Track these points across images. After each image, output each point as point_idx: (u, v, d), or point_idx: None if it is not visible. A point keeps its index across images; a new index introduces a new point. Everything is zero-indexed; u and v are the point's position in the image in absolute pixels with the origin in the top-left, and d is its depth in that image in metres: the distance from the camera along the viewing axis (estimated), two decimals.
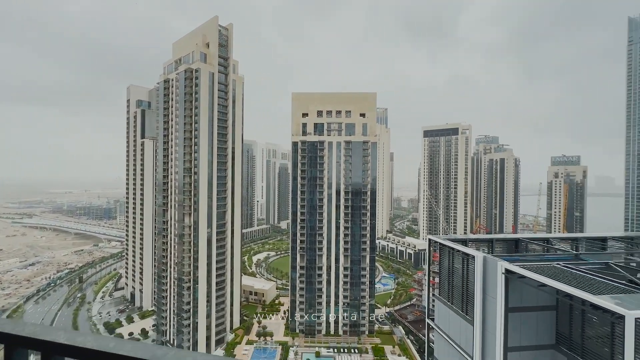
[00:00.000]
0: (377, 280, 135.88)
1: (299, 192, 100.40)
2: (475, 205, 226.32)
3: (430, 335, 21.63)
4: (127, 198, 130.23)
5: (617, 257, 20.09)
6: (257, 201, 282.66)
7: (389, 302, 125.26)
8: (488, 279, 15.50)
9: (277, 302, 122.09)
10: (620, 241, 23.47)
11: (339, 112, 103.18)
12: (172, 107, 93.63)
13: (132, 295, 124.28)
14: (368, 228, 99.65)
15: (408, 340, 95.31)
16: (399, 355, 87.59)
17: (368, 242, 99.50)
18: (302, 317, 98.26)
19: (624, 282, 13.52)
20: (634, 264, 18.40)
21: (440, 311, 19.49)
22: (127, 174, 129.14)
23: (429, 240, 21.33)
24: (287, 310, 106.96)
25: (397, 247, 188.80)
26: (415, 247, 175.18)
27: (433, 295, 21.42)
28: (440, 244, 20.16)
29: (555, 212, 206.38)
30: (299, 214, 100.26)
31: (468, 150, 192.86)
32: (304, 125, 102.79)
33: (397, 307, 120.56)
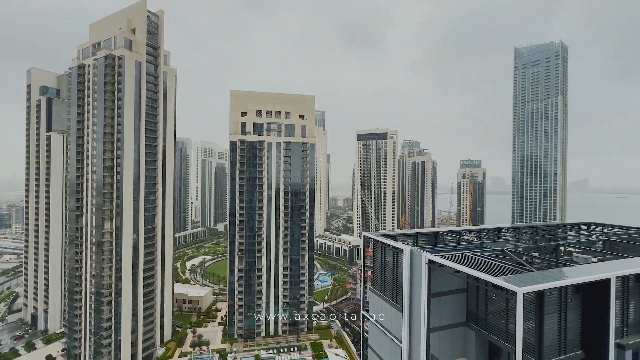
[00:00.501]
0: (315, 277, 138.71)
1: (237, 193, 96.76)
2: (401, 203, 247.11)
3: (365, 325, 22.95)
4: (27, 202, 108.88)
5: (508, 244, 24.00)
6: (192, 203, 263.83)
7: (326, 297, 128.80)
8: (414, 269, 17.14)
9: (214, 308, 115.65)
10: (510, 230, 28.11)
11: (278, 113, 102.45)
12: (88, 97, 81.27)
13: (34, 318, 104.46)
14: (307, 227, 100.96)
15: (344, 333, 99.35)
16: (336, 347, 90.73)
17: (307, 241, 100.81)
18: (240, 321, 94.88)
19: (514, 264, 16.28)
20: (521, 249, 22.25)
21: (373, 302, 20.83)
22: (28, 173, 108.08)
23: (364, 237, 22.61)
24: (225, 315, 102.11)
25: (333, 244, 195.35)
26: (350, 243, 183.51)
27: (367, 288, 22.78)
28: (373, 239, 21.53)
29: (463, 207, 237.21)
30: (237, 215, 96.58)
31: (395, 153, 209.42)
32: (243, 124, 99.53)
33: (334, 302, 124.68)
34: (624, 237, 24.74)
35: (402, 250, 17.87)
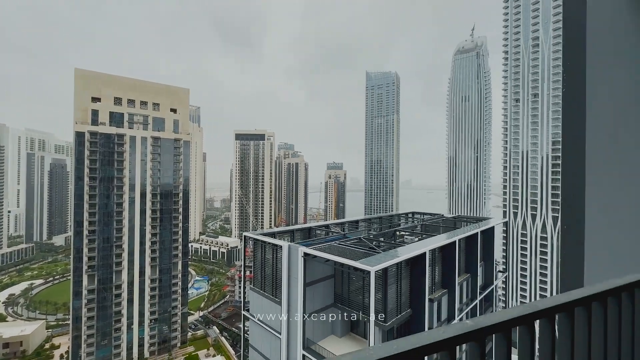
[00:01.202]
0: (190, 285, 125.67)
1: (86, 196, 76.54)
2: (277, 202, 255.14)
3: (246, 325, 22.67)
4: None
5: (363, 233, 28.67)
6: (9, 211, 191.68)
7: (202, 305, 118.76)
8: (292, 263, 18.22)
9: (48, 346, 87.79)
10: (364, 222, 33.63)
11: (144, 103, 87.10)
12: None
13: None
14: (180, 232, 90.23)
15: (222, 338, 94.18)
16: (214, 355, 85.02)
17: (180, 247, 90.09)
18: (91, 353, 75.62)
19: (367, 248, 19.69)
20: (372, 236, 27.03)
21: (254, 301, 20.86)
22: None
23: (244, 237, 22.32)
24: (67, 352, 79.23)
25: (210, 248, 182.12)
26: (228, 245, 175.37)
27: (248, 288, 22.57)
28: (253, 239, 21.54)
29: (329, 204, 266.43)
30: (86, 223, 76.40)
31: (272, 155, 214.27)
32: (95, 112, 79.62)
33: (211, 309, 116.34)
34: (432, 221, 33.58)
35: (281, 247, 18.67)
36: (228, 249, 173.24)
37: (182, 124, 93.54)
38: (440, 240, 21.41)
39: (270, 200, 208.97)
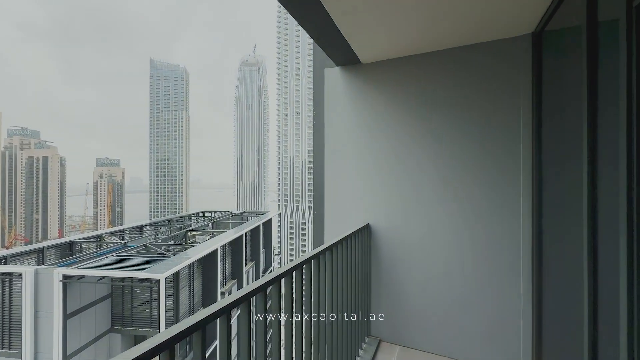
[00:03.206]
0: None
1: None
2: (8, 211, 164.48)
3: None
4: None
5: (150, 239, 25.33)
6: None
7: None
8: (40, 294, 13.11)
9: None
10: (150, 226, 29.68)
11: None
12: None
13: None
14: None
15: None
16: None
17: None
18: None
19: (156, 255, 17.81)
20: (160, 240, 24.45)
21: None
22: None
23: None
24: None
25: None
26: None
27: None
28: None
29: (101, 209, 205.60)
30: None
31: None
32: None
33: None
34: (222, 218, 35.08)
35: (21, 275, 13.06)
36: None
37: None
38: (230, 235, 23.08)
39: None
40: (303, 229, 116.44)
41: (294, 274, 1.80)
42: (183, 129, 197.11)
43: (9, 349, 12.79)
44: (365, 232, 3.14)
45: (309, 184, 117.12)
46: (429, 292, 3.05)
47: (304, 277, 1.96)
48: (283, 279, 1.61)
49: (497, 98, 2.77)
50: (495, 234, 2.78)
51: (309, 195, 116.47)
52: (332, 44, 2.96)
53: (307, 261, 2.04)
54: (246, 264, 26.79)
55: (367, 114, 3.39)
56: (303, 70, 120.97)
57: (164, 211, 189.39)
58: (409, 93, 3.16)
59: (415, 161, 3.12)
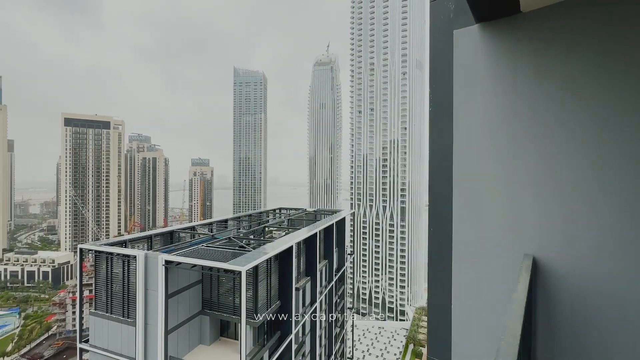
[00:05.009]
0: None
1: None
2: (129, 203, 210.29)
3: None
4: None
5: (233, 232, 27.90)
6: None
7: (9, 348, 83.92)
8: (149, 275, 15.55)
9: None
10: (233, 220, 32.78)
11: None
12: None
13: None
14: None
15: None
16: None
17: None
18: None
19: (237, 248, 19.30)
20: (241, 235, 26.64)
21: (97, 328, 16.47)
22: None
23: (80, 250, 17.27)
24: None
25: (24, 268, 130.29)
26: (54, 262, 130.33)
27: (88, 312, 17.69)
28: (95, 251, 17.08)
29: (194, 203, 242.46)
30: None
31: (121, 147, 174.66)
32: None
33: (25, 350, 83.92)
34: (297, 215, 36.37)
35: (135, 257, 15.68)
36: (54, 266, 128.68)
37: None
38: (304, 233, 23.53)
39: (119, 202, 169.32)
40: (377, 229, 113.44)
41: None
42: (262, 130, 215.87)
43: (127, 317, 15.64)
44: (525, 271, 1.90)
45: (383, 182, 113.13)
46: None
47: None
48: None
49: None
50: None
51: (383, 194, 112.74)
52: None
53: None
54: (319, 262, 27.10)
55: (530, 91, 2.17)
56: (378, 65, 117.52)
57: (245, 206, 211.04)
58: (609, 54, 1.89)
59: (625, 160, 1.85)
